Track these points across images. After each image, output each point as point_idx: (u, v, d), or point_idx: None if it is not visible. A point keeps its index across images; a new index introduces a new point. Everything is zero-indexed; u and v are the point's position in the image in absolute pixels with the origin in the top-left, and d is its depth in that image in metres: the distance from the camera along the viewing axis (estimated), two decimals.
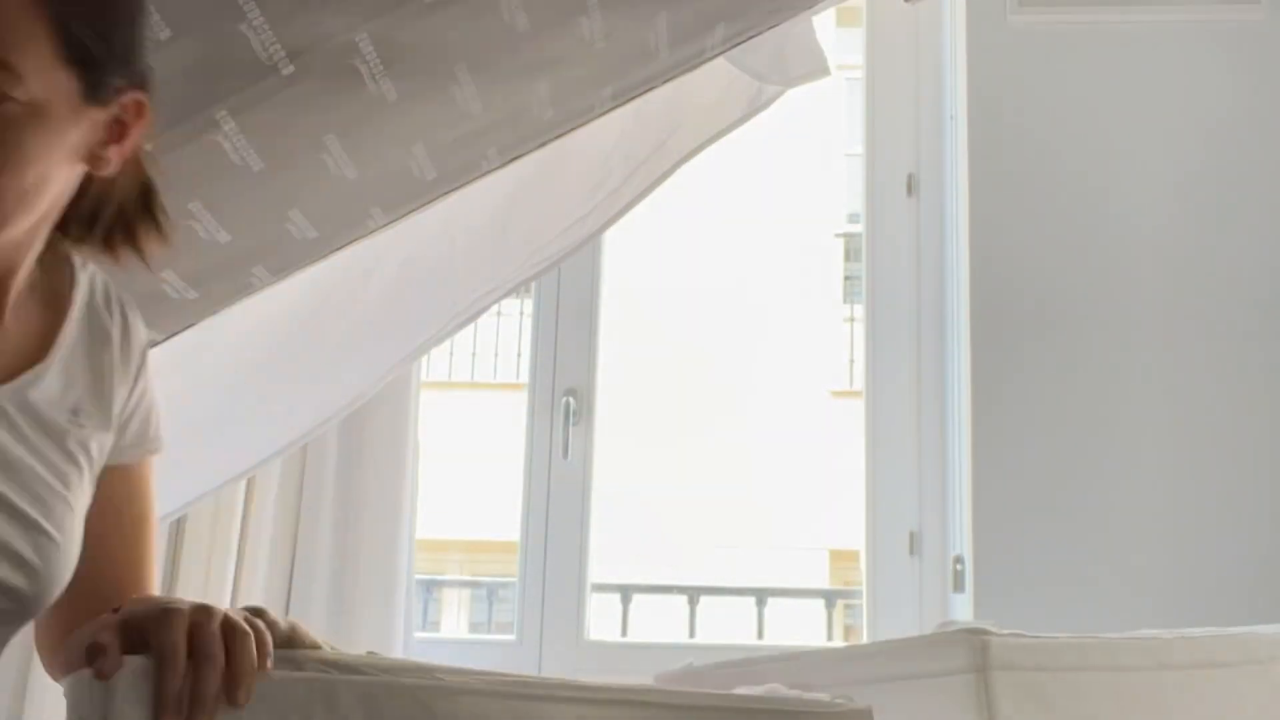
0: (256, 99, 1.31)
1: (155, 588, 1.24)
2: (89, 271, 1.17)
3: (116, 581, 1.17)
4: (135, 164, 1.13)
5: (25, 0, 0.99)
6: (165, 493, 1.87)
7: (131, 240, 1.15)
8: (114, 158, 1.08)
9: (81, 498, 1.13)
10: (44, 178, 1.03)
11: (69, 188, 1.08)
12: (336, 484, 2.40)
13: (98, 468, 1.16)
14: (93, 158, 1.07)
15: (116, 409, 1.17)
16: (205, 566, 2.24)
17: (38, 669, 2.13)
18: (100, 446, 1.15)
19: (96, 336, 1.16)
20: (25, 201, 1.02)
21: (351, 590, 2.38)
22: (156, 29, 1.20)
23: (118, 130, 1.08)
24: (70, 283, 1.15)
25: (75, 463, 1.12)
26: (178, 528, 2.24)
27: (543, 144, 1.63)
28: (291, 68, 1.30)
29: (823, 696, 0.95)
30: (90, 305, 1.17)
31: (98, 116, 1.06)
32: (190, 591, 2.23)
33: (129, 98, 1.07)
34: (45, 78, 1.00)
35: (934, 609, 2.55)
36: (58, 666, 1.16)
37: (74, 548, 1.11)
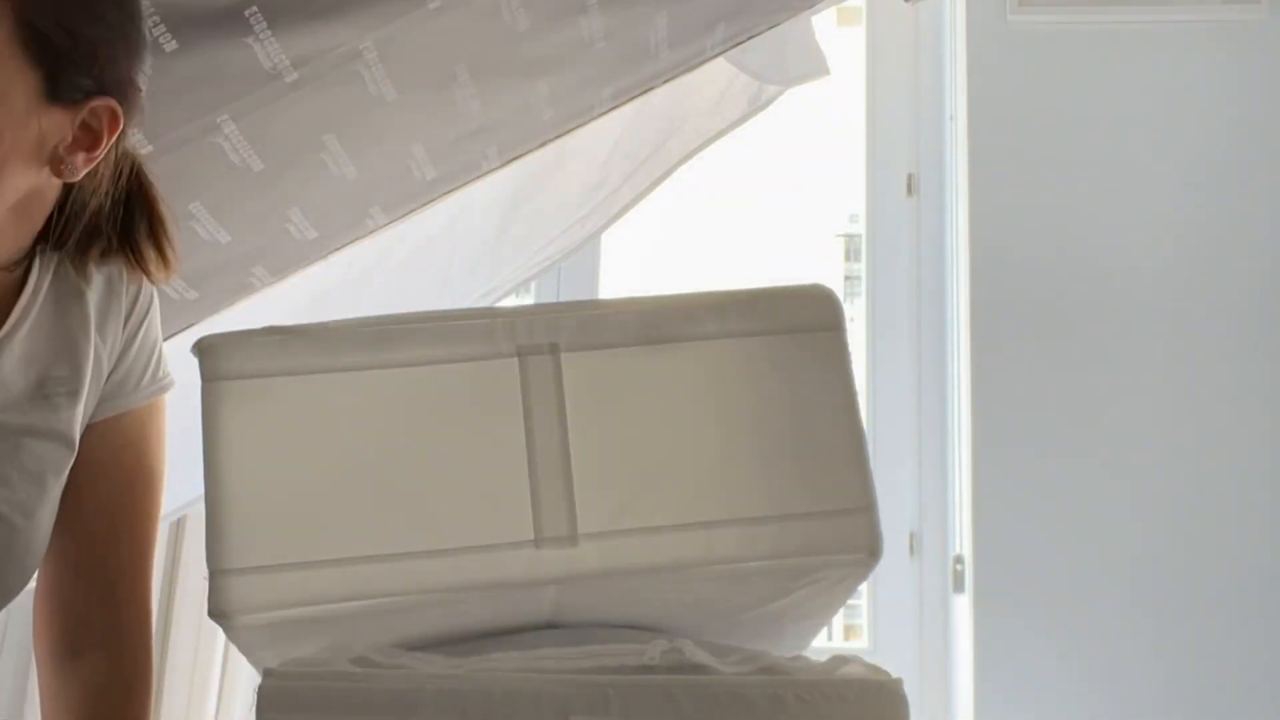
0: (258, 104, 1.31)
1: (152, 549, 1.21)
2: (55, 261, 1.13)
3: (116, 547, 1.16)
4: (115, 179, 1.12)
5: None
6: (166, 493, 1.87)
7: (132, 261, 1.15)
8: (81, 165, 1.06)
9: (54, 478, 1.11)
10: (4, 176, 1.01)
11: (38, 193, 1.07)
12: None
13: (75, 438, 1.13)
14: (56, 160, 1.04)
15: (90, 368, 1.13)
16: (205, 567, 2.24)
17: (38, 670, 2.12)
18: (72, 416, 1.13)
19: (63, 301, 1.13)
20: None
21: None
22: (162, 42, 1.20)
23: (87, 138, 1.05)
24: (25, 274, 1.12)
25: (47, 438, 1.10)
26: (178, 528, 2.23)
27: (543, 144, 1.63)
28: (295, 75, 1.31)
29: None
30: (56, 276, 1.13)
31: (62, 118, 1.03)
32: (190, 592, 2.22)
33: (100, 104, 1.05)
34: (2, 67, 0.98)
35: (934, 609, 2.55)
36: (47, 645, 1.18)
37: (39, 534, 1.10)
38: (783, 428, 0.97)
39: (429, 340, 0.97)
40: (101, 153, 1.07)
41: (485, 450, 0.94)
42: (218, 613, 0.93)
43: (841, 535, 0.97)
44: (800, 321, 1.00)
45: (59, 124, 1.03)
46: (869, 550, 0.98)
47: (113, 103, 1.06)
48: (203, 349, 1.00)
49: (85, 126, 1.05)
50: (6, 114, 0.99)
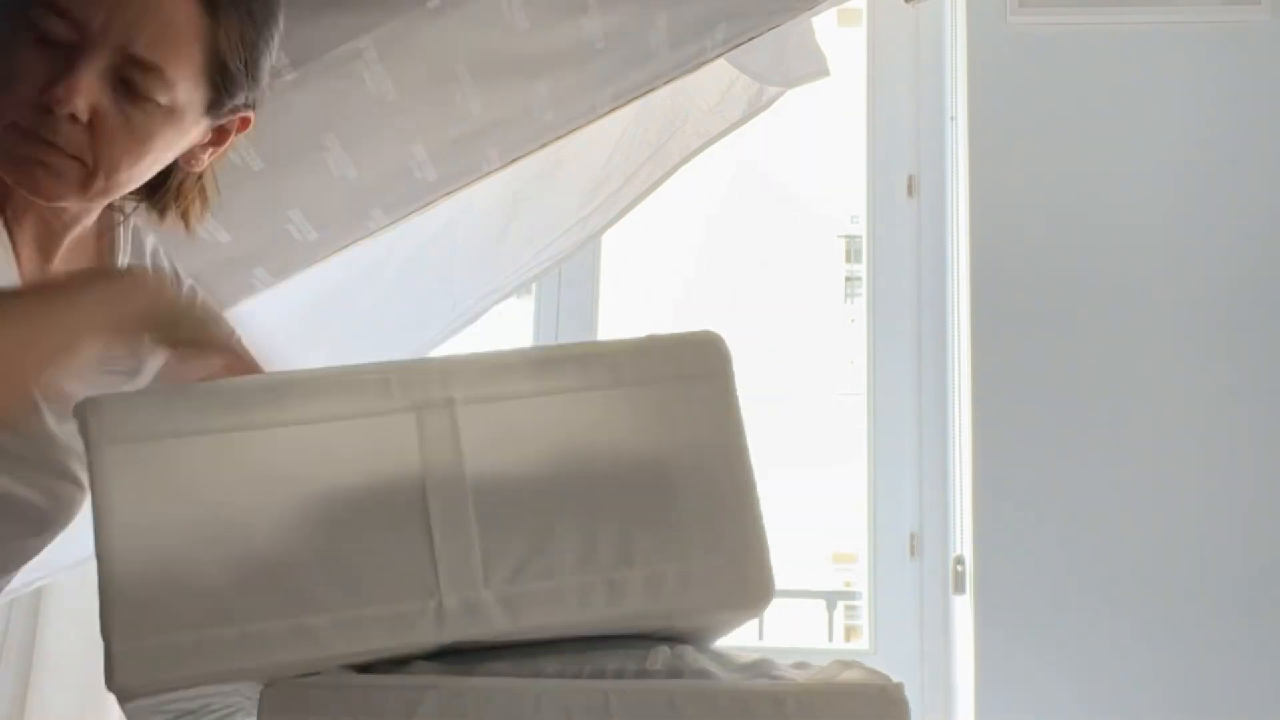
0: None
1: None
2: (130, 228, 1.25)
3: None
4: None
5: (194, 19, 1.08)
6: None
7: (178, 207, 1.25)
8: (207, 159, 1.20)
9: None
10: (154, 169, 1.14)
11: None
12: None
13: None
14: (191, 157, 1.18)
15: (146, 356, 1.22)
16: None
17: (39, 672, 2.12)
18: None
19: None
20: (132, 185, 1.13)
21: None
22: None
23: (219, 136, 1.18)
24: (111, 239, 1.23)
25: None
26: None
27: (544, 145, 1.63)
28: (294, 74, 1.31)
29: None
30: (132, 244, 1.25)
31: (210, 125, 1.16)
32: None
33: (242, 115, 1.18)
34: (188, 87, 1.09)
35: (935, 610, 2.54)
36: None
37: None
38: (677, 476, 0.96)
39: (323, 397, 0.94)
40: (226, 149, 1.20)
41: (385, 511, 0.92)
42: (116, 688, 0.88)
43: (733, 582, 0.96)
44: (687, 370, 0.99)
45: (206, 129, 1.16)
46: (761, 595, 0.97)
47: (251, 113, 1.19)
48: (86, 411, 0.93)
49: (221, 128, 1.18)
50: (177, 128, 1.11)
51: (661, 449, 0.96)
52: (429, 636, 0.90)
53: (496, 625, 0.90)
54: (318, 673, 0.90)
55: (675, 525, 0.94)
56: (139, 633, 0.88)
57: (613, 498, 0.94)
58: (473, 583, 0.91)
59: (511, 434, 0.95)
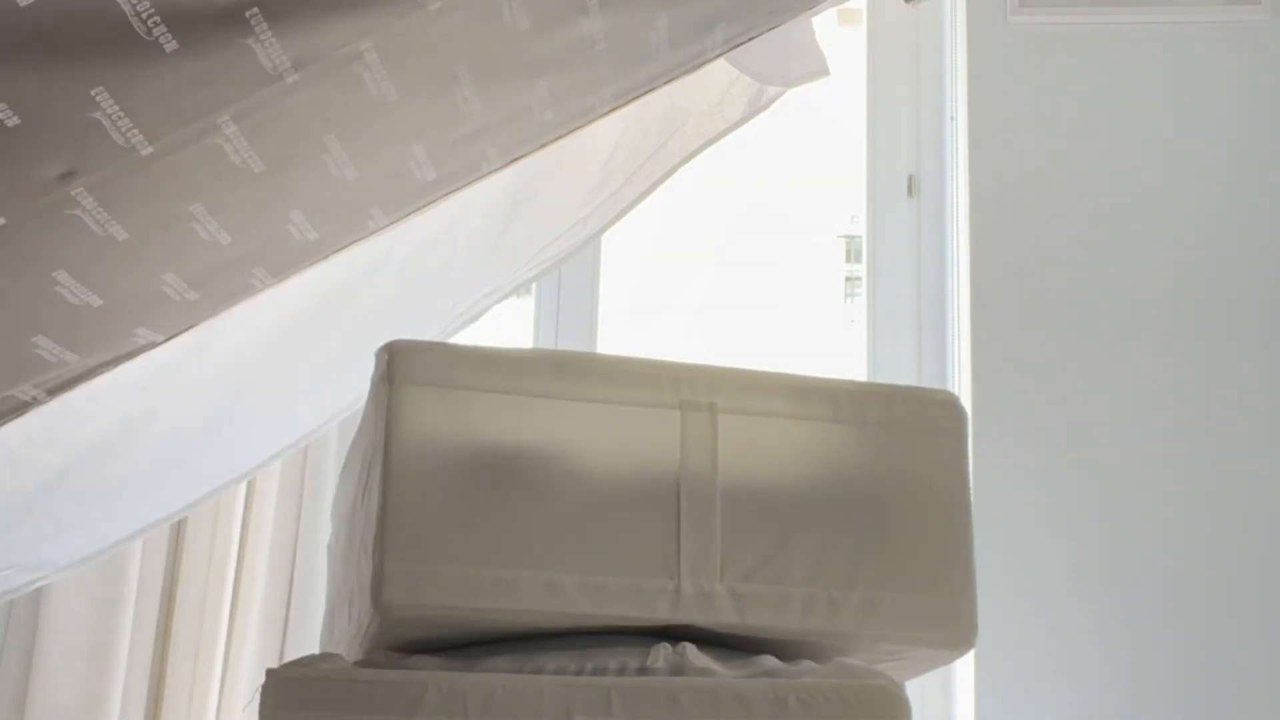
0: (259, 106, 1.31)
1: None
2: None
3: None
4: None
5: None
6: (166, 495, 1.87)
7: None
8: None
9: None
10: None
11: None
12: (337, 485, 2.40)
13: None
14: None
15: None
16: (205, 568, 2.24)
17: (38, 671, 2.12)
18: None
19: None
20: None
21: None
22: (163, 42, 1.20)
23: None
24: None
25: None
26: (178, 529, 2.23)
27: (543, 145, 1.64)
28: (296, 77, 1.31)
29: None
30: None
31: None
32: (190, 593, 2.22)
33: None
34: None
35: None
36: None
37: None
38: (906, 516, 1.05)
39: (606, 381, 1.01)
40: None
41: (641, 493, 1.00)
42: (381, 603, 0.93)
43: (944, 620, 1.06)
44: (928, 423, 1.08)
45: None
46: (963, 639, 1.08)
47: None
48: (395, 352, 1.02)
49: None
50: None
51: (895, 488, 1.05)
52: (662, 613, 0.96)
53: (723, 616, 0.97)
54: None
55: (898, 560, 1.03)
56: (410, 558, 0.94)
57: (846, 524, 1.02)
58: (710, 574, 0.99)
59: (763, 447, 1.03)
